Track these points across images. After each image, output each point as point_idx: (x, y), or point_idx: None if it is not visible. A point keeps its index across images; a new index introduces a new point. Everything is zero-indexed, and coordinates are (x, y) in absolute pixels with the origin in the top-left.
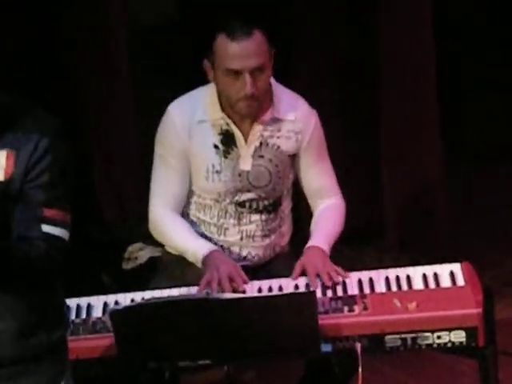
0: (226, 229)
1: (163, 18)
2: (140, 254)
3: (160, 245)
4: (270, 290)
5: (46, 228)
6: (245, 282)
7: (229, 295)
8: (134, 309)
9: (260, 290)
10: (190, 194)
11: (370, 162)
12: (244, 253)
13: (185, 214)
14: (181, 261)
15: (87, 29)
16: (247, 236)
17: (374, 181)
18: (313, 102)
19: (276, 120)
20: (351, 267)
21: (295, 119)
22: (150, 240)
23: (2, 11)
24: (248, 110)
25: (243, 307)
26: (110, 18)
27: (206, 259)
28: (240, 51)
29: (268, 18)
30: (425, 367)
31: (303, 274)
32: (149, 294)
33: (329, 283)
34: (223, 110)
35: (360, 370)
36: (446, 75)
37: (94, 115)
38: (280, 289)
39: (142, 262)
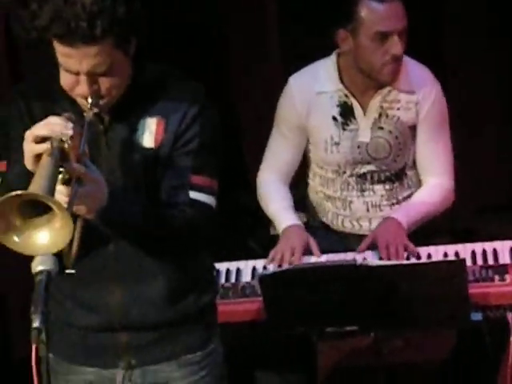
0: (351, 202)
1: None
2: None
3: (307, 211)
4: (419, 257)
5: (193, 194)
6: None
7: (378, 262)
8: (283, 274)
9: (408, 258)
10: (313, 166)
11: None
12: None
13: (311, 191)
14: (325, 227)
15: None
16: (373, 206)
17: None
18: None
19: (396, 91)
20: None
21: (415, 90)
22: (297, 206)
23: None
24: (393, 74)
25: (392, 274)
26: None
27: (283, 232)
28: (391, 12)
29: None
30: None
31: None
32: None
33: (395, 256)
34: (342, 81)
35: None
36: None
37: (245, 85)
38: (429, 256)
39: None
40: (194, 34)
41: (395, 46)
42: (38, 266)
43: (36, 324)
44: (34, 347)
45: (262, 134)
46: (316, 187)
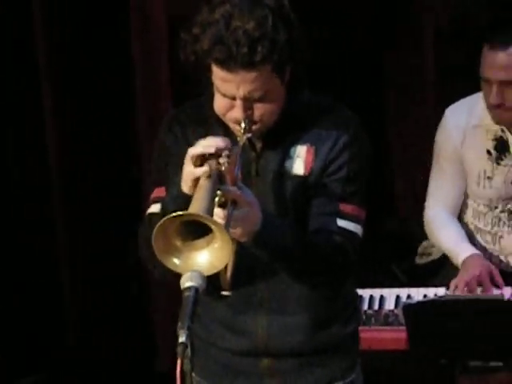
0: (501, 237)
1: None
2: (433, 249)
3: None
4: None
5: (340, 222)
6: (496, 286)
7: None
8: (428, 304)
9: None
10: (466, 198)
11: None
12: None
13: (462, 222)
14: None
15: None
16: None
17: None
18: None
19: None
20: None
21: None
22: None
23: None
24: (495, 119)
25: None
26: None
27: (464, 262)
28: (493, 62)
29: None
30: None
31: None
32: (441, 291)
33: None
34: None
35: None
36: None
37: (392, 108)
38: None
39: (435, 258)
40: (349, 73)
41: (490, 95)
42: (186, 282)
43: (182, 339)
44: (179, 362)
45: (407, 165)
46: (467, 219)
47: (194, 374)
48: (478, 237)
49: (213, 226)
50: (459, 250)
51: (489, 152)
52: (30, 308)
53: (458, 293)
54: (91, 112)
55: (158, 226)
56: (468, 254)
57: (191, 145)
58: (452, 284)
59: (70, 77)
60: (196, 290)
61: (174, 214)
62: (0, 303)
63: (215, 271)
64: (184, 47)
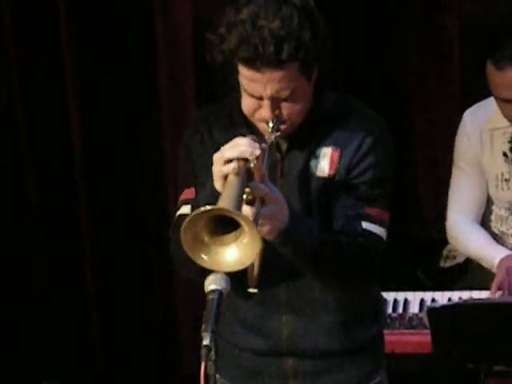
0: None
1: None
2: (458, 253)
3: None
4: None
5: (365, 225)
6: None
7: None
8: (452, 308)
9: None
10: (490, 202)
11: None
12: None
13: (487, 226)
14: None
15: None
16: None
17: None
18: None
19: None
20: None
21: None
22: None
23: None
24: None
25: None
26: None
27: (500, 263)
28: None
29: None
30: None
31: None
32: (466, 295)
33: None
34: None
35: None
36: None
37: (416, 112)
38: None
39: (460, 261)
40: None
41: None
42: (210, 285)
43: (206, 342)
44: (202, 365)
45: (435, 169)
46: (490, 223)
47: (218, 376)
48: (503, 241)
49: (242, 222)
50: (492, 251)
51: (505, 154)
52: (52, 310)
53: (498, 295)
54: (115, 111)
55: (186, 220)
56: (504, 255)
57: (217, 145)
58: (494, 285)
59: (95, 75)
60: (220, 293)
61: (202, 209)
62: (21, 305)
63: (243, 267)
64: (210, 48)
